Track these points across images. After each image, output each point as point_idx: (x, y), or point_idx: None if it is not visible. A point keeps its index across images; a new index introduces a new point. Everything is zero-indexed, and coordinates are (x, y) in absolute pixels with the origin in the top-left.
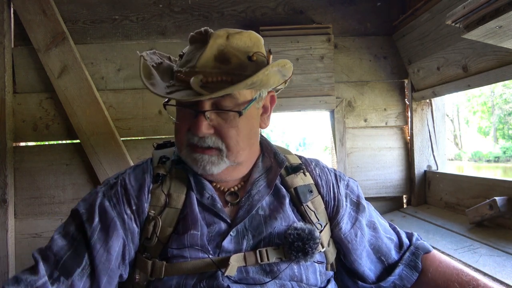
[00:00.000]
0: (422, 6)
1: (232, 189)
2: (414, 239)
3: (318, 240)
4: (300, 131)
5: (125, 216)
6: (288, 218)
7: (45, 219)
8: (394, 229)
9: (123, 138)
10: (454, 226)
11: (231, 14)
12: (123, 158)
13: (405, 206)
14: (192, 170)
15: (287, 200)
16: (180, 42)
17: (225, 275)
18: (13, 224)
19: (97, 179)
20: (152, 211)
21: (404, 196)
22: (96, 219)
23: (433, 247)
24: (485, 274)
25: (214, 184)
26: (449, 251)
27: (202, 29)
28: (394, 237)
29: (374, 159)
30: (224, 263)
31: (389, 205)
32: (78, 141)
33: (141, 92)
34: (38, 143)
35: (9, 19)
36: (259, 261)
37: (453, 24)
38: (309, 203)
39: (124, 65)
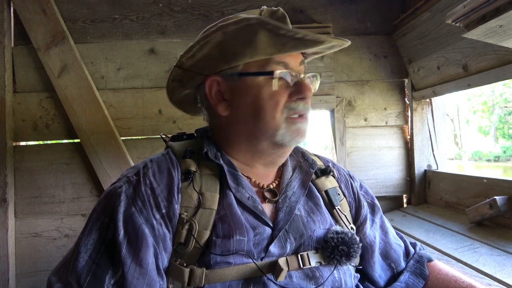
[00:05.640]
0: (422, 5)
1: (271, 186)
2: (417, 248)
3: (360, 244)
4: None
5: (154, 222)
6: (325, 221)
7: (45, 219)
8: (401, 237)
9: (123, 138)
10: (454, 225)
11: (231, 13)
12: (123, 157)
13: (405, 205)
14: (227, 165)
15: (322, 203)
16: (180, 41)
17: (277, 280)
18: (13, 223)
19: (97, 179)
20: (185, 213)
21: (404, 195)
22: (122, 231)
23: (433, 247)
24: (485, 273)
25: (254, 180)
26: (449, 250)
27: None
28: (402, 244)
29: (374, 159)
30: (271, 267)
31: (389, 204)
32: (78, 140)
33: (141, 91)
34: (38, 142)
35: (9, 18)
36: (301, 265)
37: (453, 23)
38: (339, 206)
39: (124, 65)
